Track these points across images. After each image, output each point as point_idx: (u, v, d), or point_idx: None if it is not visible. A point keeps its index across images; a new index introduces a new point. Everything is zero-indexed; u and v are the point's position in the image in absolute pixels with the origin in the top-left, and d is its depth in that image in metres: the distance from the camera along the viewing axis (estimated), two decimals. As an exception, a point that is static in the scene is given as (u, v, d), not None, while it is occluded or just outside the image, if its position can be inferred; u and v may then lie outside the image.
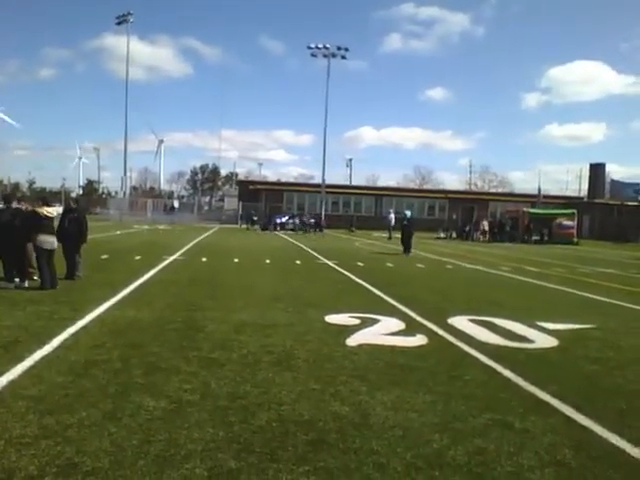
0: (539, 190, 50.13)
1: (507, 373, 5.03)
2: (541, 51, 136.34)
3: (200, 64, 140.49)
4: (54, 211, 9.18)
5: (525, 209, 39.51)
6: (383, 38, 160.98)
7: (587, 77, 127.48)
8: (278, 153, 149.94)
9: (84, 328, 6.14)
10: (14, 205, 9.16)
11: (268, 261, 15.41)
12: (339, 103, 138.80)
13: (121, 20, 52.98)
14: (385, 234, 33.68)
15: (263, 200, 51.16)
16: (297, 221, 42.03)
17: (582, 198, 58.36)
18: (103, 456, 3.05)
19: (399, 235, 21.95)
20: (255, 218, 43.04)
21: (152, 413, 3.71)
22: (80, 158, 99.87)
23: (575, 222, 37.51)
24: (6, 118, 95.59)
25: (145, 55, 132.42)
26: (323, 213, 47.03)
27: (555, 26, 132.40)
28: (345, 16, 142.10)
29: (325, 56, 49.88)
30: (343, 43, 62.19)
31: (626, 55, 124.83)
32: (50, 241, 8.88)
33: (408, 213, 21.63)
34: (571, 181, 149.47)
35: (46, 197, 11.27)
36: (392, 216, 34.38)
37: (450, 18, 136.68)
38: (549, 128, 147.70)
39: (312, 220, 42.38)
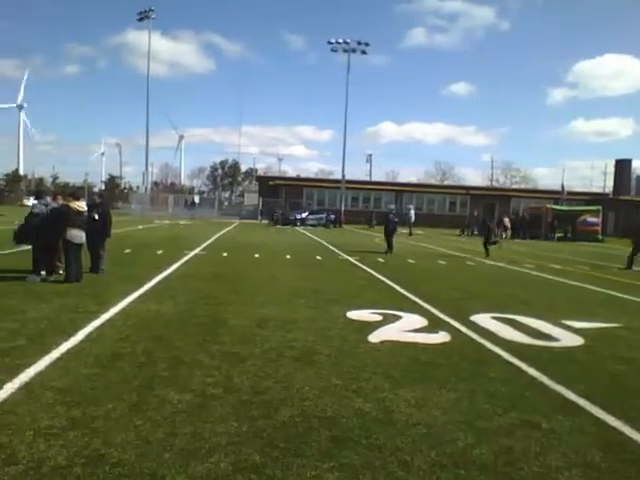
0: (562, 186, 49.31)
1: (532, 372, 4.95)
2: (569, 45, 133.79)
3: (222, 60, 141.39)
4: (84, 206, 9.33)
5: (548, 205, 38.93)
6: (406, 32, 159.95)
7: (617, 71, 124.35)
8: (298, 148, 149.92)
9: (109, 321, 6.22)
10: (49, 201, 9.36)
11: (288, 256, 15.43)
12: (360, 98, 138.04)
13: (142, 16, 53.36)
14: (405, 230, 33.54)
15: (283, 195, 51.24)
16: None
17: (607, 194, 57.31)
18: (129, 448, 3.08)
19: (420, 231, 21.63)
20: (276, 214, 42.91)
21: (176, 406, 3.73)
22: (102, 154, 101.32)
23: (600, 219, 36.87)
24: (27, 122, 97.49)
25: (167, 51, 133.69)
26: (342, 208, 46.96)
27: (584, 19, 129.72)
28: (368, 10, 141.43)
29: (345, 51, 49.63)
30: (365, 37, 62.09)
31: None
32: (80, 235, 9.02)
33: (392, 207, 20.39)
34: (596, 177, 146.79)
35: (76, 192, 11.45)
36: (412, 212, 34.30)
37: (475, 12, 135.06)
38: (575, 123, 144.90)
39: (332, 216, 42.38)
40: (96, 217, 9.74)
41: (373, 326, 6.49)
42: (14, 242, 9.35)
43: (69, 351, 4.94)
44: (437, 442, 3.37)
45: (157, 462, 2.94)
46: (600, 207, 38.07)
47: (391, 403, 4.01)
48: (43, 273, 8.94)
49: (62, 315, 6.42)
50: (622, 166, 57.76)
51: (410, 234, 32.01)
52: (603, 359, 5.60)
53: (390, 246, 18.21)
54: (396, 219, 19.77)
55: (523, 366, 5.12)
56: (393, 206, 20.64)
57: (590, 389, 4.52)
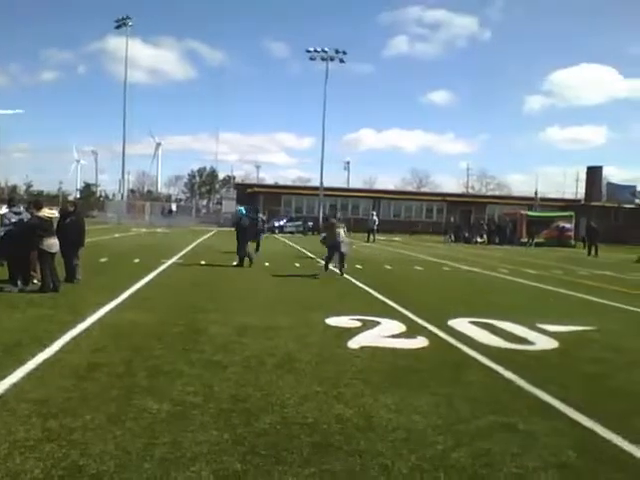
0: (536, 192, 50.15)
1: (509, 375, 5.04)
2: (546, 54, 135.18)
3: (203, 67, 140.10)
4: (54, 213, 9.18)
5: (523, 211, 39.57)
6: (388, 41, 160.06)
7: (592, 80, 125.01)
8: (279, 156, 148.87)
9: (85, 331, 6.13)
10: (21, 210, 9.18)
11: (267, 264, 15.39)
12: (342, 106, 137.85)
13: (120, 24, 52.75)
14: (380, 237, 33.45)
15: (261, 203, 51.09)
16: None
17: (579, 201, 58.47)
18: (108, 459, 3.05)
19: (397, 238, 21.47)
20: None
21: (156, 416, 3.70)
22: (78, 161, 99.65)
23: (572, 224, 37.60)
24: (6, 112, 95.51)
25: (148, 58, 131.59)
26: (321, 216, 47.01)
27: (561, 29, 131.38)
28: (352, 18, 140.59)
29: (324, 59, 49.87)
30: (349, 45, 62.49)
31: (634, 59, 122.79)
32: (55, 244, 8.87)
33: (242, 210, 15.78)
34: (569, 184, 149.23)
35: (38, 200, 11.09)
36: (375, 218, 34.24)
37: (457, 21, 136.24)
38: (551, 131, 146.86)
39: (310, 223, 42.53)
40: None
41: (352, 332, 6.52)
42: None
43: (45, 362, 4.86)
44: (417, 446, 3.41)
45: (136, 472, 2.92)
46: (573, 213, 38.84)
47: (371, 408, 4.04)
48: (19, 283, 8.77)
49: (38, 325, 6.31)
50: (593, 173, 58.91)
51: (369, 240, 31.49)
52: (578, 361, 5.72)
53: (249, 256, 14.45)
54: (262, 228, 16.28)
55: (500, 370, 5.21)
56: (242, 208, 16.00)
57: (565, 391, 4.62)
